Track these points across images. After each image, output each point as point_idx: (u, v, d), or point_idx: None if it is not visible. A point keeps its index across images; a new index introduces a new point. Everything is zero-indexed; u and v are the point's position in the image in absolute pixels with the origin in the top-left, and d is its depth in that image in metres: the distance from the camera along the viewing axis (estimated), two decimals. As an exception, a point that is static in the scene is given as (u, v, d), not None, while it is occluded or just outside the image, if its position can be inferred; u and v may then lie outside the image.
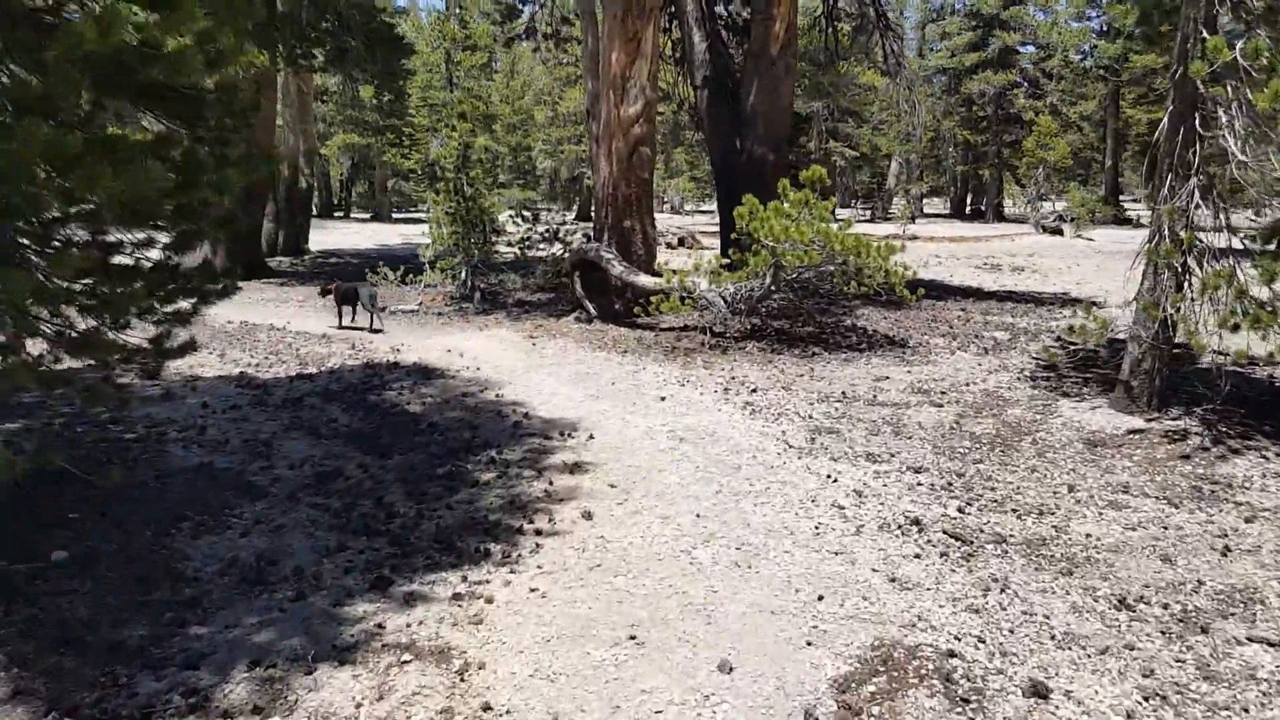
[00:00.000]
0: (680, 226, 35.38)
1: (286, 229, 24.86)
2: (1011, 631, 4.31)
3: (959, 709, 3.69)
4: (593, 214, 13.28)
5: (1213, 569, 5.10)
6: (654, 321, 12.11)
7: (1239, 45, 6.82)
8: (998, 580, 4.87)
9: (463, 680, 3.87)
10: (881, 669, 3.95)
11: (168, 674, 3.89)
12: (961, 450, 7.29)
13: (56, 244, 4.92)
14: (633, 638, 4.19)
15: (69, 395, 6.05)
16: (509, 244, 15.38)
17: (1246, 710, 3.77)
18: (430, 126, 36.87)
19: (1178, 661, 4.12)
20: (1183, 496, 6.24)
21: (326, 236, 34.02)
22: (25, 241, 4.71)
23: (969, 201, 56.55)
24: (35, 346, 5.67)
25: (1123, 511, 6.01)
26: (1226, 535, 5.56)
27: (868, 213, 50.95)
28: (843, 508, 5.90)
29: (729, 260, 11.17)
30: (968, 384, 9.46)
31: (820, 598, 4.58)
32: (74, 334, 5.02)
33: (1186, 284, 7.76)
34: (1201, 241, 7.47)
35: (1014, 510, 6.02)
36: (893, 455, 7.09)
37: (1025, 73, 49.52)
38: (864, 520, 5.70)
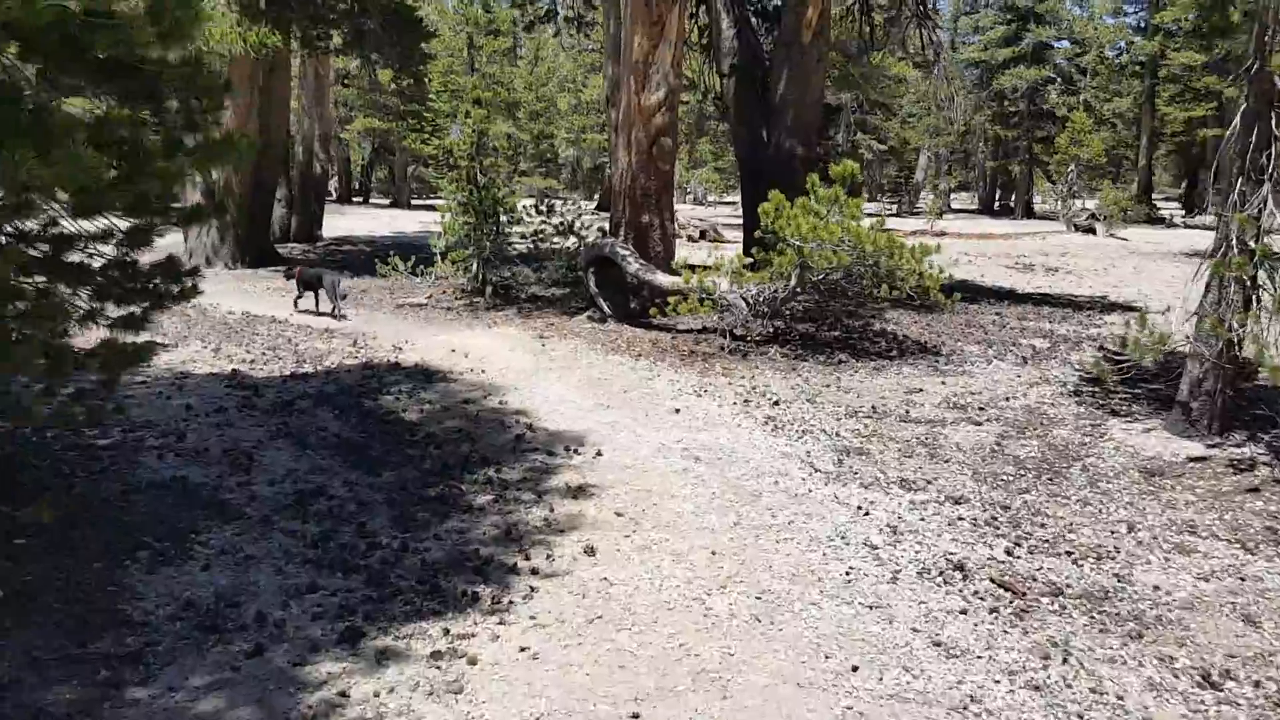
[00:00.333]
0: (702, 219, 34.66)
1: (300, 215, 24.36)
2: (1081, 718, 3.67)
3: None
4: (609, 208, 12.67)
5: (1305, 636, 4.44)
6: (671, 322, 11.48)
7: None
8: (1058, 645, 4.23)
9: (432, 767, 3.29)
10: (927, 765, 3.34)
11: (89, 751, 3.33)
12: (1005, 477, 6.64)
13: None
14: (635, 715, 3.59)
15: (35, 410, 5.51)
16: (523, 236, 14.78)
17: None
18: (450, 112, 36.30)
19: (1279, 762, 3.49)
20: (1258, 539, 5.57)
21: (343, 222, 33.54)
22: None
23: (998, 197, 55.52)
24: None
25: (1192, 557, 5.35)
26: (1315, 592, 4.90)
27: (894, 207, 50.01)
28: (876, 547, 5.27)
29: (752, 259, 10.53)
30: (1007, 398, 8.79)
31: (855, 668, 3.96)
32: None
33: (1255, 300, 7.07)
34: (1277, 253, 6.77)
35: (1068, 553, 5.37)
36: (929, 482, 6.44)
37: (1059, 68, 48.44)
38: (900, 564, 5.07)
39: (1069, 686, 3.89)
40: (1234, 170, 7.17)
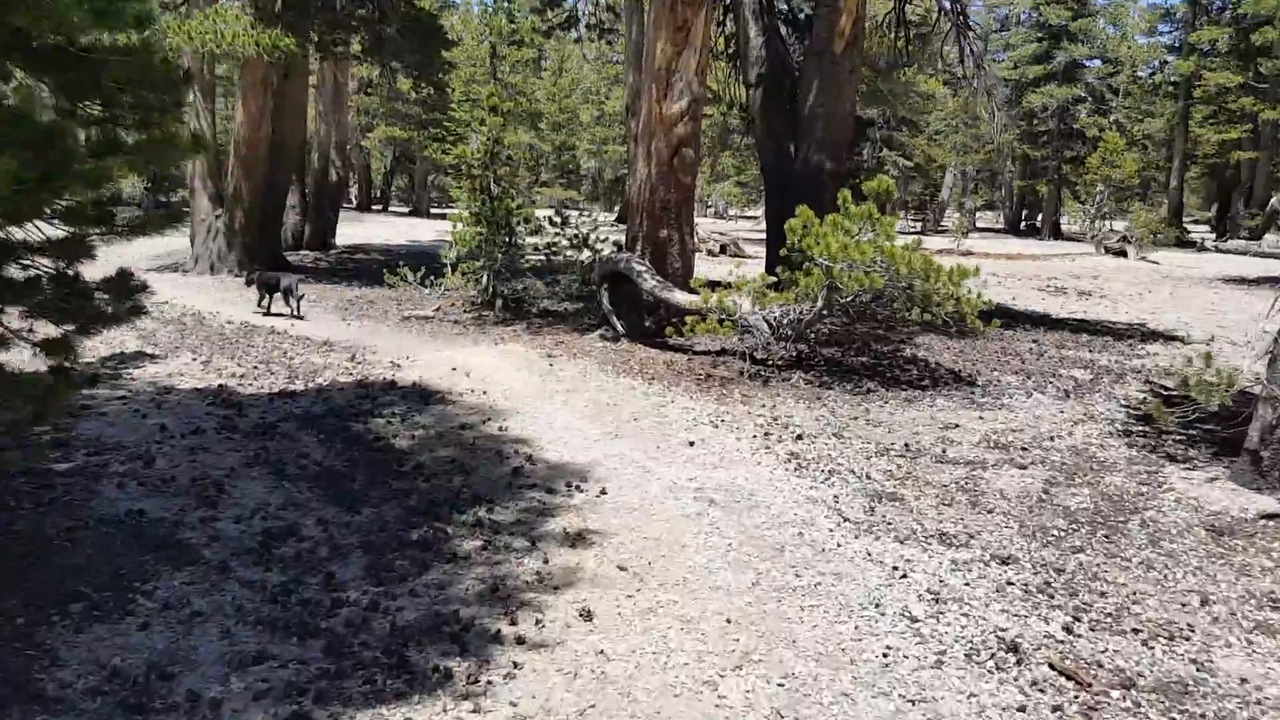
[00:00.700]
0: (723, 233, 34.00)
1: (313, 222, 23.92)
2: None
3: None
4: (626, 221, 12.05)
5: None
6: (688, 343, 10.83)
7: None
8: (1138, 758, 3.53)
9: None
10: None
11: None
12: (1056, 532, 5.93)
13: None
14: (626, 846, 2.93)
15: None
16: (536, 248, 14.18)
17: None
18: (470, 121, 35.88)
19: None
20: (1354, 619, 4.84)
21: (359, 230, 33.12)
22: None
23: (1024, 217, 54.68)
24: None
25: (1279, 640, 4.62)
26: None
27: (918, 225, 49.26)
28: (916, 620, 4.58)
29: (776, 279, 9.86)
30: (1052, 438, 8.07)
31: (896, 788, 3.28)
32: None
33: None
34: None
35: (1135, 630, 4.65)
36: (972, 537, 5.74)
37: (1090, 87, 47.62)
38: (945, 641, 4.38)
39: (1159, 818, 3.19)
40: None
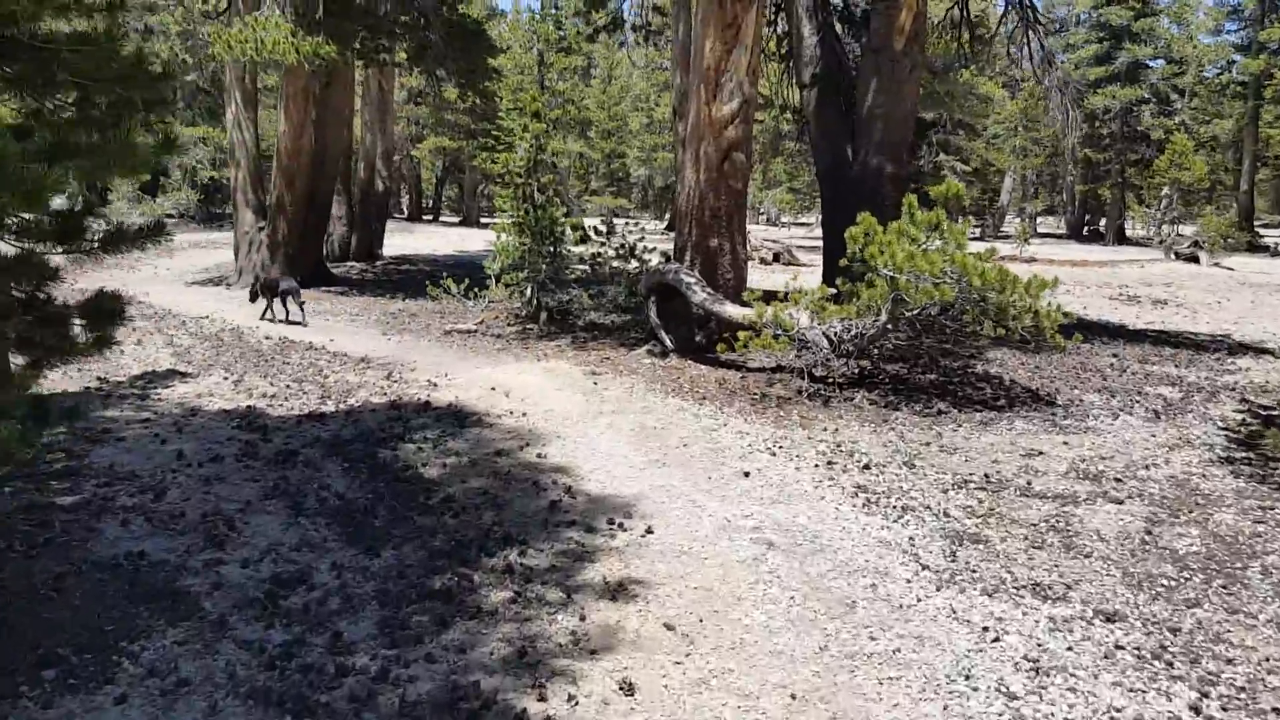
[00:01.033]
0: (775, 240, 33.27)
1: (360, 233, 23.69)
2: None
3: None
4: (675, 229, 11.44)
5: None
6: (741, 359, 10.17)
7: None
8: None
9: None
10: None
11: None
12: (1165, 582, 5.17)
13: None
14: None
15: None
16: (582, 259, 13.64)
17: None
18: (515, 130, 35.63)
19: None
20: None
21: (409, 240, 32.99)
22: None
23: (1086, 222, 53.10)
24: None
25: None
26: None
27: (977, 230, 48.02)
28: (1015, 697, 3.88)
29: (836, 290, 9.17)
30: (1147, 466, 7.27)
31: None
32: None
33: None
34: None
35: (1277, 711, 3.91)
36: (1070, 588, 5.01)
37: (1155, 88, 46.05)
38: (1054, 728, 3.68)
39: None
40: None
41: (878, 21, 12.65)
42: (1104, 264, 30.78)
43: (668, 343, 10.48)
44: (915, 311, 8.84)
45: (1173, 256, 33.61)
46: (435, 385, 9.26)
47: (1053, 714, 3.77)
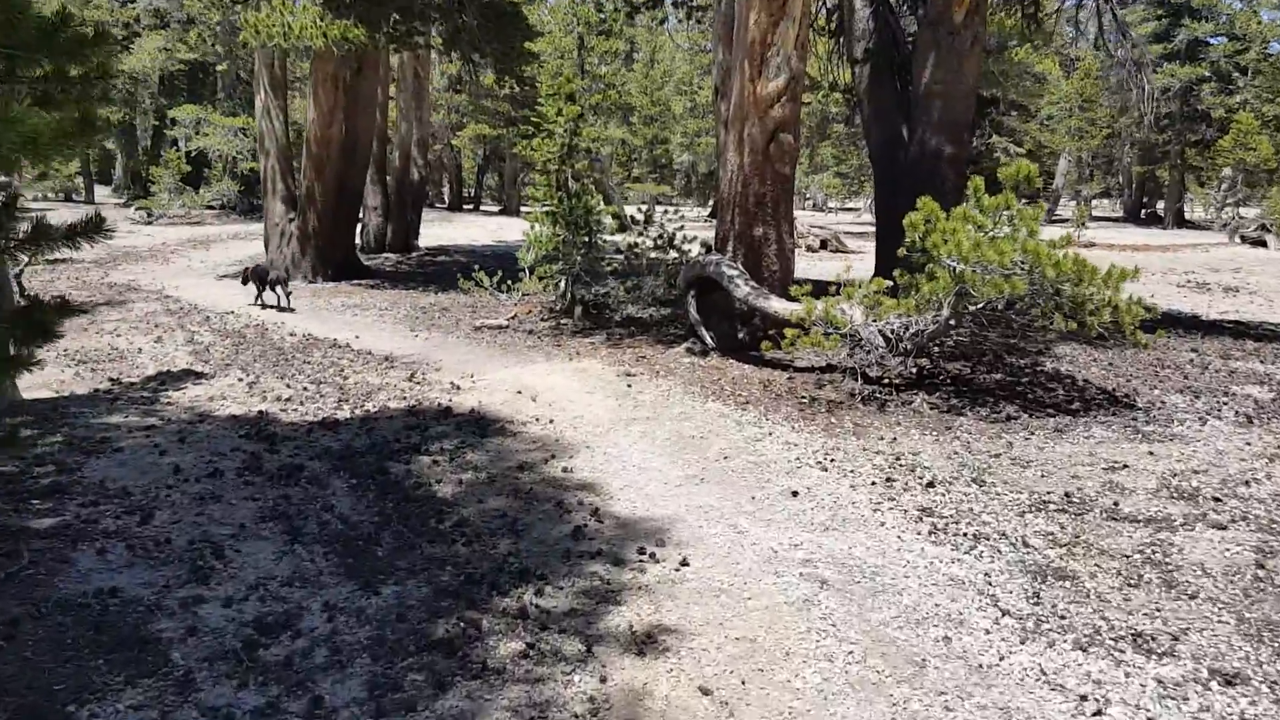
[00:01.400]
0: (822, 226, 32.31)
1: (395, 223, 23.23)
2: None
3: None
4: (717, 217, 10.71)
5: None
6: (787, 357, 9.44)
7: None
8: None
9: None
10: None
11: None
12: (1293, 630, 4.39)
13: None
14: None
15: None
16: (619, 249, 12.96)
17: None
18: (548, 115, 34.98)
19: None
20: None
21: (447, 230, 32.56)
22: None
23: (1144, 205, 51.36)
24: None
25: None
26: None
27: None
28: (1132, 796, 3.15)
29: (893, 283, 8.39)
30: (1247, 481, 6.43)
31: None
32: None
33: None
34: None
35: None
36: (1176, 639, 4.25)
37: (1216, 66, 44.22)
38: (1184, 842, 2.95)
39: None
40: None
41: (936, -9, 11.79)
42: (1166, 248, 29.49)
43: (708, 340, 9.78)
44: (980, 306, 8.04)
45: (1238, 240, 32.14)
46: (458, 388, 8.67)
47: (1180, 820, 3.05)
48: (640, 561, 4.93)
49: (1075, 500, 5.91)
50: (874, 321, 8.09)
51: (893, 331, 8.12)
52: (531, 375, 9.15)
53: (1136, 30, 45.15)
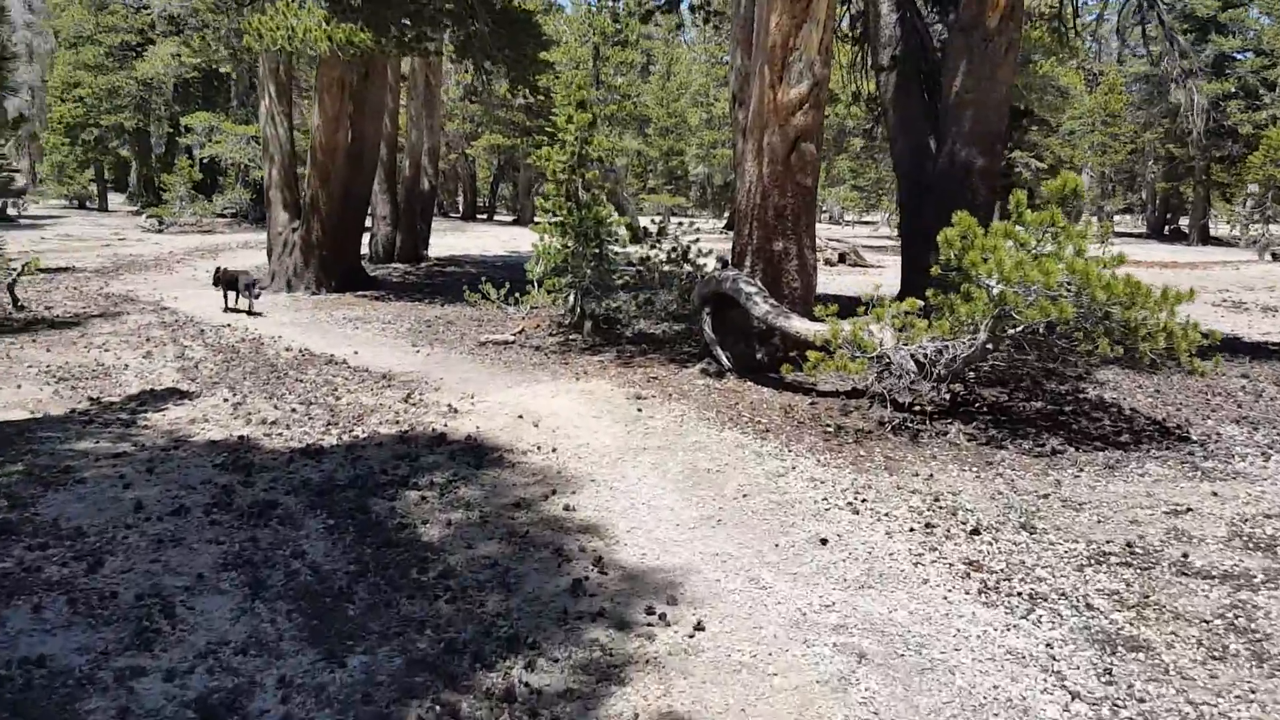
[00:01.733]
0: (840, 240, 31.64)
1: (404, 233, 22.73)
2: None
3: None
4: (734, 230, 10.09)
5: None
6: (809, 380, 8.81)
7: None
8: None
9: None
10: None
11: None
12: None
13: None
14: None
15: None
16: (630, 262, 12.36)
17: None
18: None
19: None
20: None
21: (459, 240, 32.11)
22: None
23: (1167, 221, 50.59)
24: None
25: None
26: None
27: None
28: None
29: (924, 302, 7.75)
30: (1329, 529, 5.75)
31: None
32: None
33: None
34: None
35: None
36: (1283, 733, 3.60)
37: (1243, 81, 43.44)
38: None
39: None
40: None
41: (967, -5, 11.17)
42: (1195, 265, 28.76)
43: (724, 361, 9.16)
44: (1019, 329, 7.40)
45: (1269, 257, 31.39)
46: (456, 411, 8.07)
47: None
48: (648, 625, 4.30)
49: (1139, 551, 5.25)
50: (905, 345, 7.45)
51: (925, 356, 7.47)
52: (535, 397, 8.54)
53: (1162, 45, 44.43)
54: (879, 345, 7.48)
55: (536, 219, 12.83)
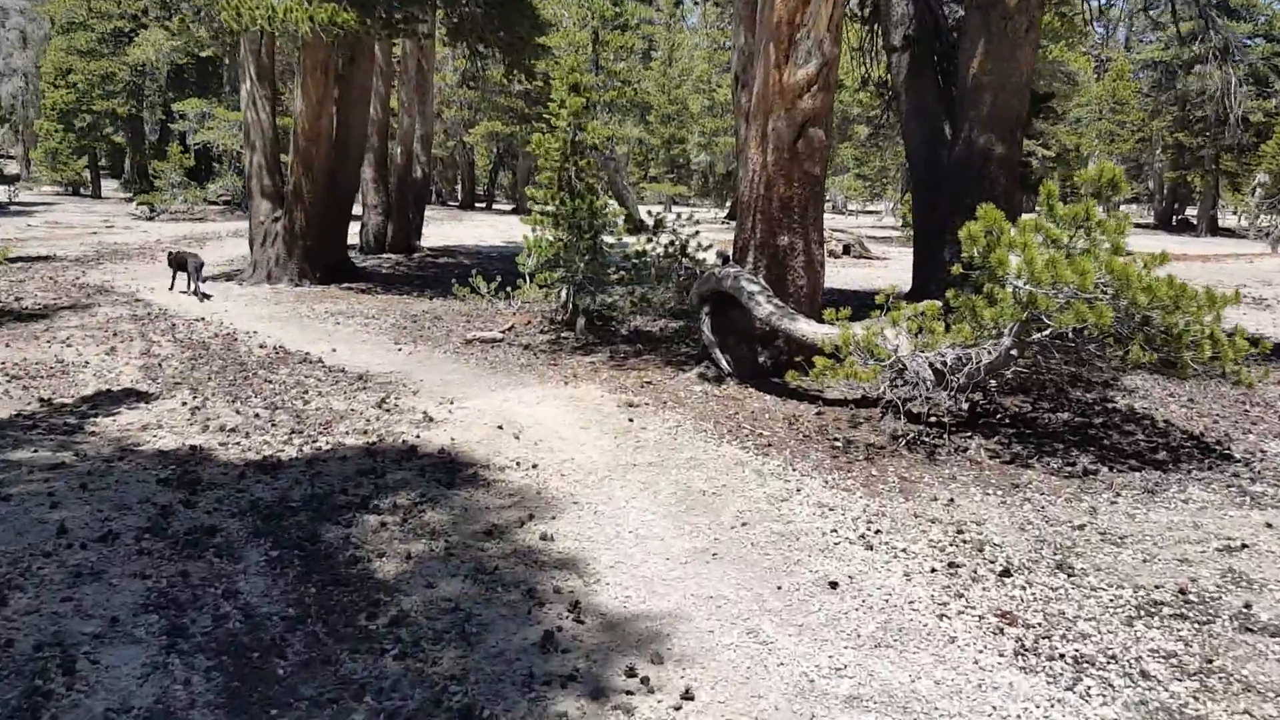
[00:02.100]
0: (844, 230, 30.88)
1: (397, 222, 22.05)
2: None
3: None
4: (735, 223, 9.42)
5: None
6: (815, 387, 8.16)
7: None
8: None
9: None
10: None
11: None
12: None
13: None
14: None
15: None
16: (626, 256, 11.68)
17: None
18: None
19: None
20: None
21: (455, 230, 31.46)
22: None
23: (1175, 211, 49.89)
24: None
25: None
26: None
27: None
28: None
29: (946, 305, 7.07)
30: (1404, 568, 5.09)
31: None
32: None
33: None
34: None
35: None
36: None
37: (1253, 68, 42.66)
38: None
39: None
40: None
41: (985, -28, 10.45)
42: (1206, 258, 28.08)
43: (723, 365, 8.49)
44: (1048, 333, 6.72)
45: (1280, 250, 30.72)
46: (431, 420, 7.41)
47: None
48: (628, 693, 3.65)
49: (1193, 599, 4.59)
50: (923, 352, 6.78)
51: (944, 364, 6.80)
52: (519, 403, 7.89)
53: (1170, 31, 43.69)
54: (893, 352, 6.81)
55: (529, 208, 12.14)
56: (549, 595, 4.47)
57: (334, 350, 10.54)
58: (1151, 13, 47.41)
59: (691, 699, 3.62)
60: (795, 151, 8.47)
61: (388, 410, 7.84)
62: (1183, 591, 4.64)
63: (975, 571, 4.77)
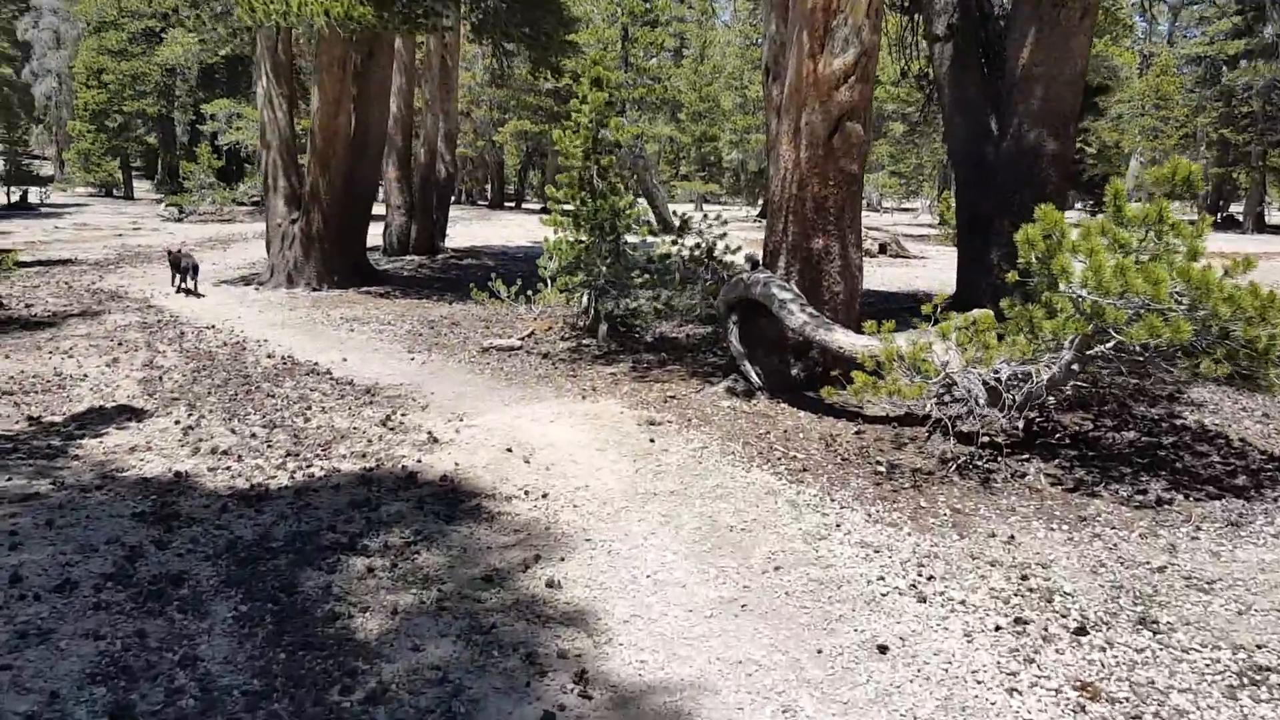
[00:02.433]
0: (879, 228, 30.05)
1: (420, 223, 21.60)
2: None
3: None
4: (765, 224, 8.78)
5: None
6: (853, 403, 7.51)
7: None
8: None
9: None
10: None
11: None
12: None
13: None
14: None
15: None
16: (651, 259, 11.09)
17: None
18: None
19: None
20: None
21: (483, 230, 30.98)
22: None
23: (1220, 208, 48.55)
24: None
25: None
26: None
27: (1092, 215, 43.95)
28: None
29: (1002, 316, 6.40)
30: None
31: None
32: None
33: None
34: None
35: None
36: None
37: (1304, 62, 41.30)
38: None
39: None
40: None
41: (1035, -46, 9.71)
42: (1260, 257, 26.91)
43: (753, 378, 7.87)
44: (1110, 346, 6.03)
45: (1331, 248, 29.47)
46: (436, 441, 6.86)
47: None
48: (638, 794, 3.06)
49: (1306, 666, 3.91)
50: (975, 367, 6.12)
51: (999, 380, 6.14)
52: (532, 420, 7.32)
53: (1216, 25, 42.44)
54: (941, 369, 6.15)
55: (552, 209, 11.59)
56: (552, 661, 3.89)
57: (344, 360, 10.06)
58: (1204, 3, 46.15)
59: (714, 804, 3.02)
60: (831, 148, 7.82)
61: (392, 429, 7.31)
62: (1293, 657, 3.97)
63: (1046, 629, 4.11)
